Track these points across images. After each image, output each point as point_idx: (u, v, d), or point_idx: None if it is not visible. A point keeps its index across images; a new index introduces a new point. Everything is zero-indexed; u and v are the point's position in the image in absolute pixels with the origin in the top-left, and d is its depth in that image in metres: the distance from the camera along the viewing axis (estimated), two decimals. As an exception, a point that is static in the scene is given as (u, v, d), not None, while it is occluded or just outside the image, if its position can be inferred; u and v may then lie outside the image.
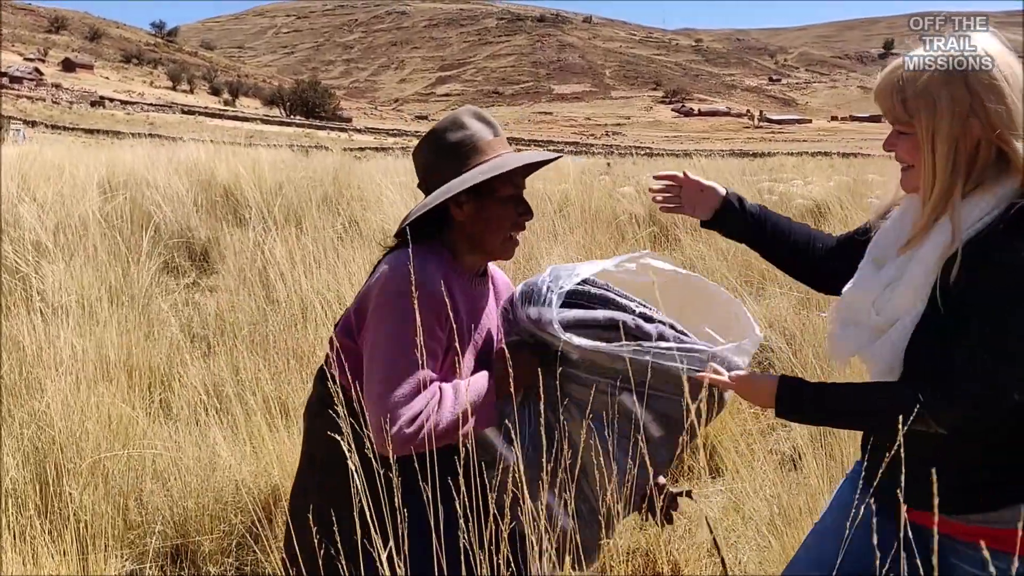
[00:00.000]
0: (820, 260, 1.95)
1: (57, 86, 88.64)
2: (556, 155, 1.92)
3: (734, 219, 1.97)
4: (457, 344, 1.79)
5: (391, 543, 1.45)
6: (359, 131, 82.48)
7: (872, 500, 1.43)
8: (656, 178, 2.05)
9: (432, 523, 1.49)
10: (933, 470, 1.11)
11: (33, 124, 47.19)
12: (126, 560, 2.85)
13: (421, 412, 1.68)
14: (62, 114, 63.61)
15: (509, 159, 1.84)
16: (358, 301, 1.84)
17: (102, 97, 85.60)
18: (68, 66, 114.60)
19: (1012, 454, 1.49)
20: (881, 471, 1.40)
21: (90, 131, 46.14)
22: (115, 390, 3.49)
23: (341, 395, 1.62)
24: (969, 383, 1.42)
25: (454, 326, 1.74)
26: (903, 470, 1.29)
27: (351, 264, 5.36)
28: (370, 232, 6.99)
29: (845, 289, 1.68)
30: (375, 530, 1.46)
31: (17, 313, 4.35)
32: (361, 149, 36.78)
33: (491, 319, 1.98)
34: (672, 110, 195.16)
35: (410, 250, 1.71)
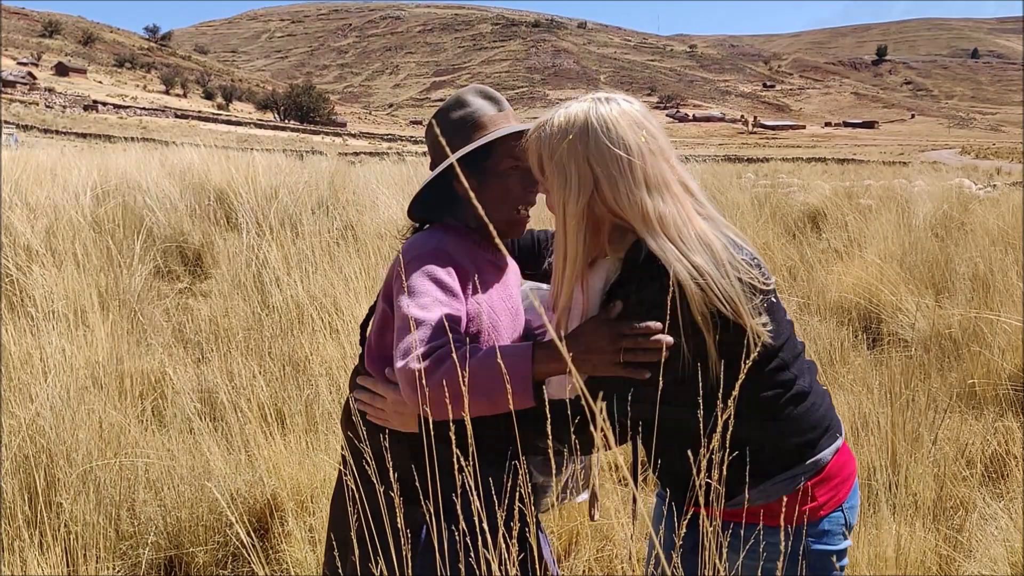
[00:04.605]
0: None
1: (50, 90, 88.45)
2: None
3: None
4: (490, 314, 1.73)
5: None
6: (354, 136, 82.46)
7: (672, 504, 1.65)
8: None
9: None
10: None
11: (26, 128, 47.01)
12: (118, 572, 2.78)
13: (436, 351, 1.53)
14: (55, 118, 63.42)
15: (501, 129, 1.79)
16: (385, 289, 1.80)
17: (95, 101, 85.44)
18: (61, 70, 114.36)
19: (745, 447, 1.57)
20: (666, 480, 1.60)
21: (83, 135, 46.00)
22: (106, 397, 3.42)
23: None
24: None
25: (482, 294, 1.69)
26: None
27: (347, 268, 5.30)
28: (365, 236, 6.92)
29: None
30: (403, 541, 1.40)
31: (6, 319, 4.28)
32: (356, 154, 36.72)
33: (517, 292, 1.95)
34: (667, 115, 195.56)
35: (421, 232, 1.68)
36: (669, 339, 1.46)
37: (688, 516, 1.49)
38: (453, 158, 1.74)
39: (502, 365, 1.44)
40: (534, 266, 2.04)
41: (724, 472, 1.46)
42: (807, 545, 1.59)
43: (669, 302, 1.45)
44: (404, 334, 1.57)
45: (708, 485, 1.47)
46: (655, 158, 1.57)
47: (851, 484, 1.68)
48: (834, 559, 1.62)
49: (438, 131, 1.82)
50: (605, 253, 1.62)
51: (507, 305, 1.82)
